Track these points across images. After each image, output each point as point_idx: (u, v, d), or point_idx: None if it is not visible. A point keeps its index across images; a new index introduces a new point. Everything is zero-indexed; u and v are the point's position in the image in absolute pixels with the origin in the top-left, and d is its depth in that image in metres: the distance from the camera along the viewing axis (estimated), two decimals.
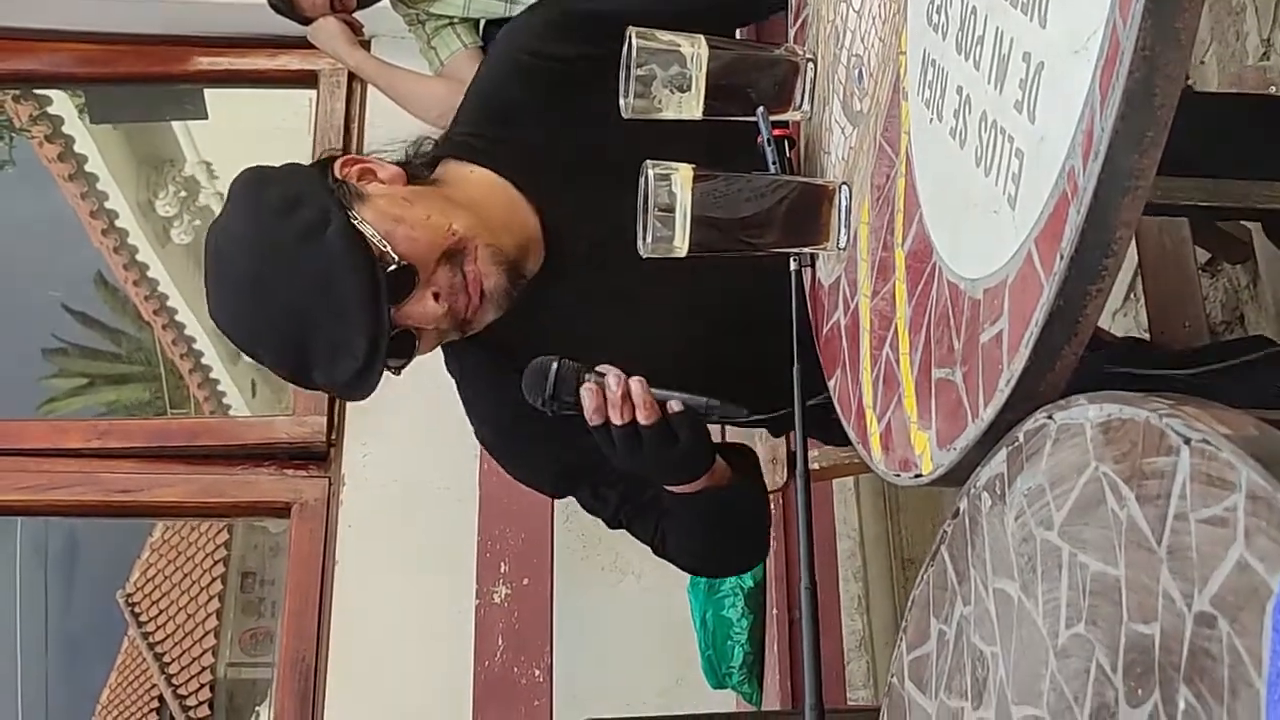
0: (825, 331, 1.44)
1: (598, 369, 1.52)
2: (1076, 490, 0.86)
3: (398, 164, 1.65)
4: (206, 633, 13.78)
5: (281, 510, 3.43)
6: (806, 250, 1.40)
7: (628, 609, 3.29)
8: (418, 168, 1.67)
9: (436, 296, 1.56)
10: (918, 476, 1.13)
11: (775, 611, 2.83)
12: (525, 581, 3.05)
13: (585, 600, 3.26)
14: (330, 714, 3.14)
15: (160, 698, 13.87)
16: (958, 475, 1.06)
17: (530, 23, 1.77)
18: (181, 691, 13.49)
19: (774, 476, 2.42)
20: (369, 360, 1.52)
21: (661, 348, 1.68)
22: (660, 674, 3.19)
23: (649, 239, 1.33)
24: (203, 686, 13.52)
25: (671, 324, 1.70)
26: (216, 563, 13.92)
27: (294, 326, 1.53)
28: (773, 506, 2.72)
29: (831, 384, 1.42)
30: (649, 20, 1.57)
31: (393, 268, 1.52)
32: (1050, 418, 0.91)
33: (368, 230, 1.52)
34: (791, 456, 2.41)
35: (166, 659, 13.68)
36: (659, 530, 1.79)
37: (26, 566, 13.72)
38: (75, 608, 14.94)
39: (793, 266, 1.44)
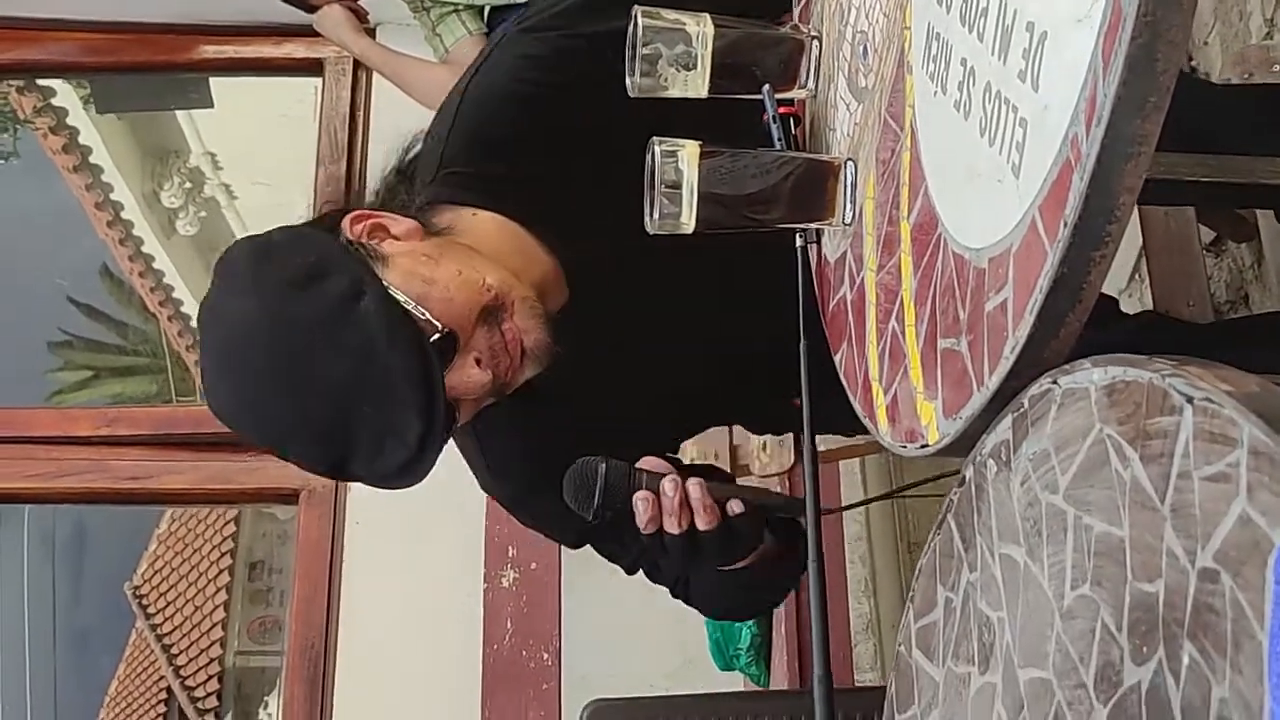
0: (831, 307, 1.45)
1: (644, 468, 1.41)
2: (1081, 453, 0.87)
3: (409, 214, 1.49)
4: (214, 624, 13.83)
5: (289, 497, 3.46)
6: (812, 226, 1.41)
7: (635, 592, 3.30)
8: (425, 217, 1.51)
9: (479, 362, 1.41)
10: (924, 446, 1.14)
11: None
12: (533, 566, 3.07)
13: (593, 584, 3.27)
14: (340, 699, 3.16)
15: (168, 689, 13.93)
16: (964, 444, 1.07)
17: (528, 48, 1.59)
18: (190, 683, 13.55)
19: (780, 459, 2.44)
20: (423, 444, 1.36)
21: (690, 361, 1.63)
22: (668, 656, 3.21)
23: (656, 215, 1.33)
24: (211, 678, 13.57)
25: (699, 331, 1.63)
26: (224, 554, 13.97)
27: (334, 416, 1.35)
28: (778, 481, 2.74)
29: (838, 358, 1.43)
30: None
31: (436, 336, 1.37)
32: (1055, 383, 0.92)
33: (400, 296, 1.37)
34: (798, 438, 2.43)
35: (174, 650, 13.73)
36: (681, 580, 1.72)
37: (34, 559, 13.74)
38: (83, 600, 14.97)
39: (798, 243, 1.45)
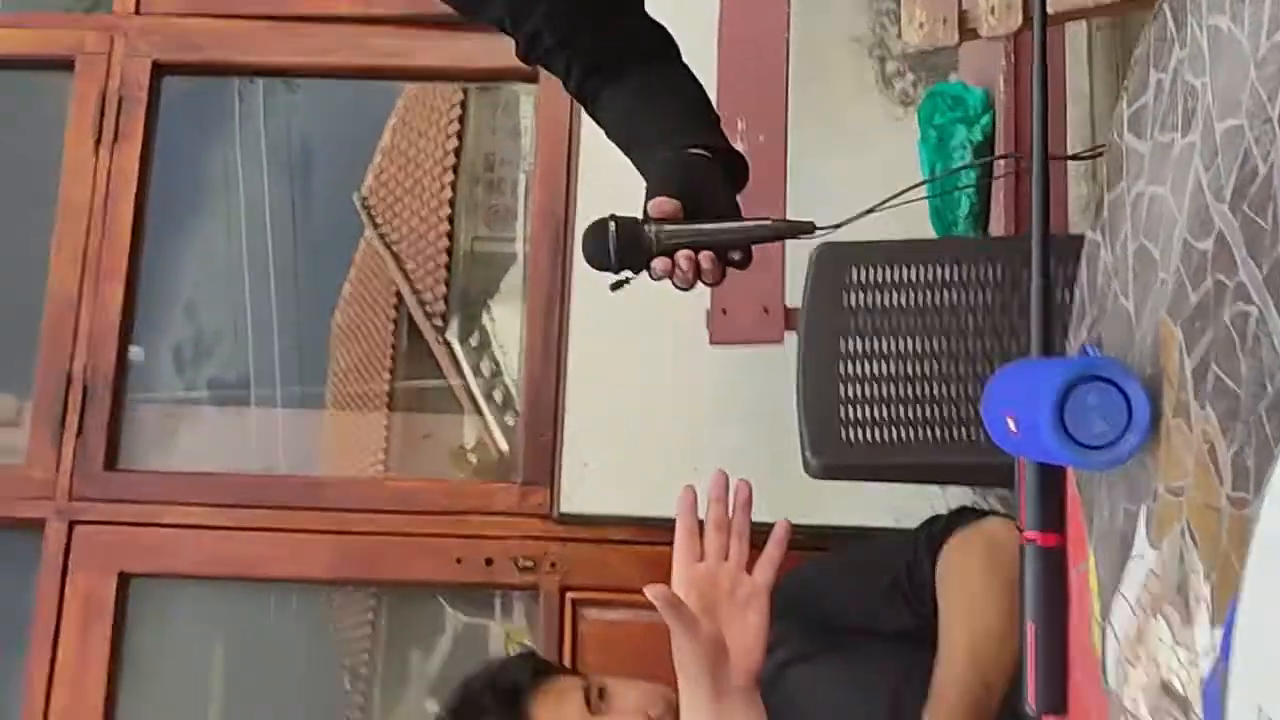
0: None
1: (655, 215, 1.64)
2: None
3: None
4: (440, 236, 14.37)
5: (530, 76, 3.65)
6: None
7: (861, 165, 3.44)
8: None
9: None
10: None
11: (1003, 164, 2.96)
12: (761, 139, 3.21)
13: (816, 139, 3.41)
14: (578, 267, 3.42)
15: (398, 292, 14.67)
16: None
17: None
18: (418, 286, 14.25)
19: (1008, 22, 2.51)
20: None
21: None
22: (889, 225, 3.37)
23: None
24: (438, 283, 14.21)
25: None
26: (446, 171, 14.34)
27: None
28: (1005, 50, 2.83)
29: None
30: None
31: None
32: None
33: None
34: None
35: (403, 256, 14.39)
36: (592, 90, 1.92)
37: (272, 176, 14.36)
38: (313, 214, 15.67)
39: None
